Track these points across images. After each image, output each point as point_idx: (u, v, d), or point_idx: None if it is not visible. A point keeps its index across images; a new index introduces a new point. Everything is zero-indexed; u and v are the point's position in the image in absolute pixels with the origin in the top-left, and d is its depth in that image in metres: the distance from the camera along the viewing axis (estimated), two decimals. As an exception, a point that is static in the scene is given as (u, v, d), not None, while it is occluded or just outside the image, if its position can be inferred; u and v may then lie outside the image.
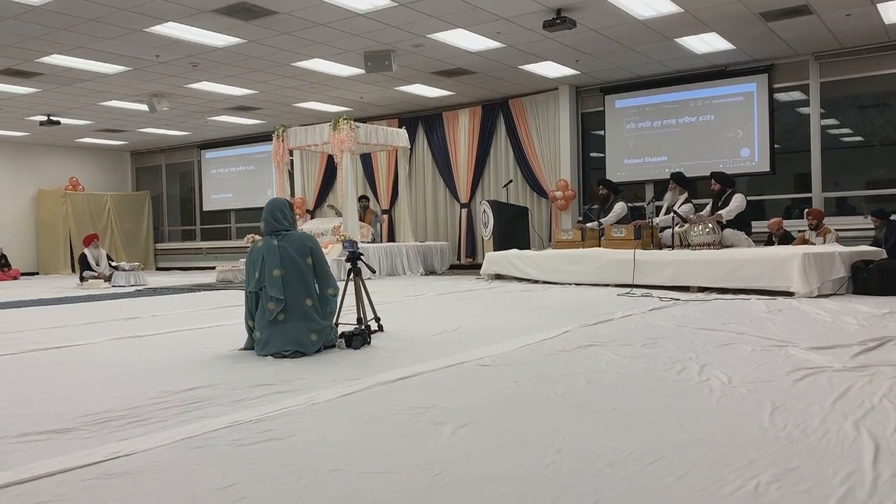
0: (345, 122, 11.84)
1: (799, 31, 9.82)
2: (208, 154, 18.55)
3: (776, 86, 11.39)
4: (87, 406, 3.08)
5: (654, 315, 5.79)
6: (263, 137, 16.47)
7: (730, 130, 11.69)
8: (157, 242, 19.66)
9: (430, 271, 12.95)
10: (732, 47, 10.51)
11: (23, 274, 16.38)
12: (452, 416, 2.78)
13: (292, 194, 15.07)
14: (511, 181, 13.24)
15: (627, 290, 7.91)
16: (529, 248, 10.97)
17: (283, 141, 12.76)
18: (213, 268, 12.94)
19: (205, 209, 18.81)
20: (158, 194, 19.78)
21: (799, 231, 9.87)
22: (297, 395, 3.22)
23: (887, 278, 6.96)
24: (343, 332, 4.56)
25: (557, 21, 8.66)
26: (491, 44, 10.09)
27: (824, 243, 8.91)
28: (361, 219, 12.96)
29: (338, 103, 13.89)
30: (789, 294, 6.94)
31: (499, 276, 10.17)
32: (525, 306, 6.79)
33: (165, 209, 19.84)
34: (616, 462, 2.19)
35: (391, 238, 14.86)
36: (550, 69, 11.66)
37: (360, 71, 11.09)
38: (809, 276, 6.92)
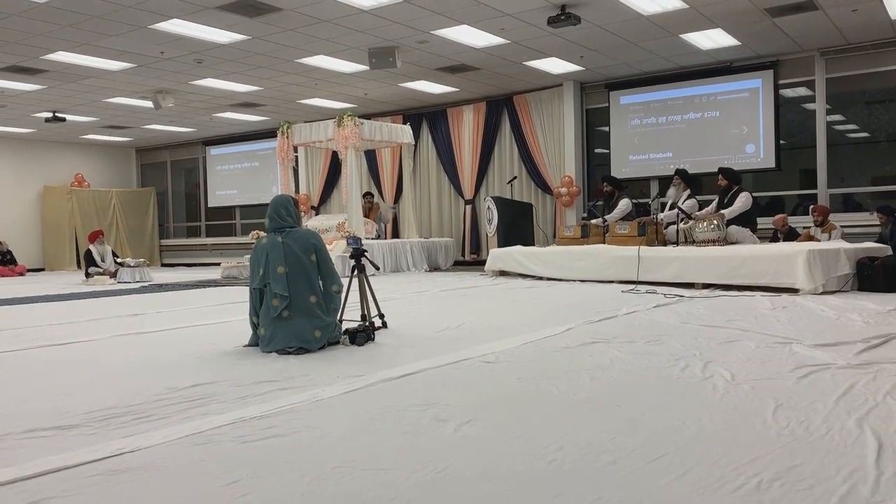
0: (349, 118, 11.84)
1: (804, 27, 9.78)
2: (213, 150, 18.57)
3: (781, 82, 11.35)
4: (91, 402, 3.09)
5: (659, 312, 5.79)
6: (268, 134, 16.48)
7: (735, 126, 11.65)
8: (163, 239, 19.71)
9: (434, 268, 12.95)
10: (737, 43, 10.47)
11: (28, 270, 16.43)
12: (455, 412, 2.79)
13: (297, 191, 15.09)
14: (515, 178, 13.23)
15: (632, 286, 7.90)
16: (534, 245, 10.96)
17: (287, 137, 12.78)
18: (218, 264, 12.97)
19: (210, 206, 18.84)
20: (163, 191, 19.82)
21: (804, 228, 9.84)
22: (300, 391, 3.23)
23: (893, 275, 6.94)
24: (347, 329, 4.56)
25: (562, 17, 8.64)
26: (495, 40, 10.08)
27: (829, 240, 8.88)
28: (366, 215, 12.98)
29: (342, 100, 13.89)
30: (794, 291, 6.93)
31: (503, 273, 10.16)
32: (529, 303, 6.79)
33: (170, 206, 19.88)
34: (618, 459, 2.19)
35: (395, 234, 14.86)
36: (555, 65, 11.64)
37: (365, 67, 11.09)
38: (814, 272, 6.90)
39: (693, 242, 8.32)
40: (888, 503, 1.80)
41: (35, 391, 3.42)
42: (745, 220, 8.56)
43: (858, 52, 10.61)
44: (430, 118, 14.74)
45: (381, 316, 5.15)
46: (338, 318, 4.61)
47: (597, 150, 13.42)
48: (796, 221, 10.30)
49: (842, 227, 9.49)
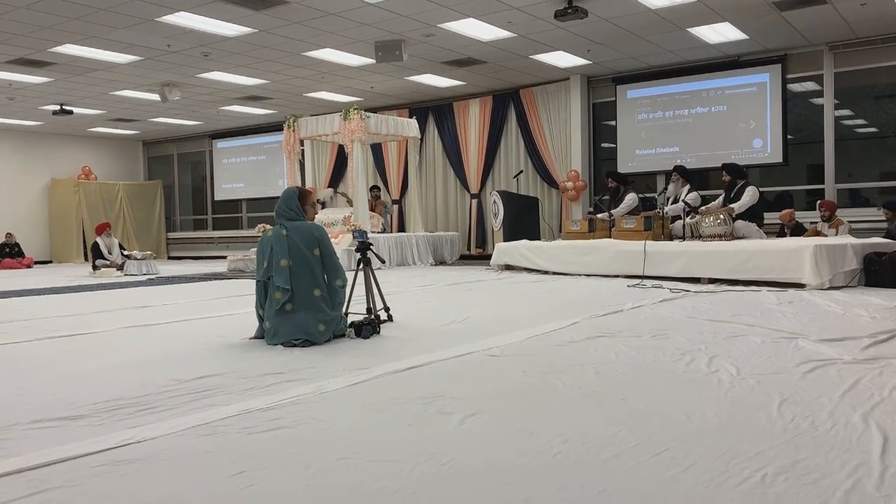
0: (355, 111, 11.83)
1: (813, 21, 9.72)
2: (220, 144, 18.60)
3: (790, 76, 11.29)
4: (97, 393, 3.11)
5: (664, 306, 5.78)
6: (274, 127, 16.50)
7: (742, 121, 11.60)
8: (169, 232, 19.76)
9: (440, 262, 12.95)
10: (745, 37, 10.42)
11: (36, 262, 16.52)
12: (460, 405, 2.79)
13: (303, 184, 15.10)
14: (522, 172, 13.21)
15: (638, 281, 7.89)
16: (540, 239, 10.95)
17: (294, 131, 12.78)
18: (225, 257, 12.99)
19: (216, 199, 18.88)
20: (170, 184, 19.87)
21: (811, 223, 9.80)
22: (306, 383, 3.24)
23: (900, 270, 6.90)
24: (352, 322, 4.57)
25: (569, 10, 8.61)
26: (502, 33, 10.05)
27: (836, 235, 8.85)
28: (372, 209, 12.98)
29: (348, 93, 13.88)
30: (800, 286, 6.91)
31: (509, 267, 10.16)
32: (534, 297, 6.79)
33: (177, 198, 19.92)
34: (623, 452, 2.20)
35: (401, 228, 14.87)
36: (562, 59, 11.61)
37: (371, 61, 11.07)
38: (821, 267, 6.88)
39: (699, 237, 8.29)
40: (893, 497, 1.80)
41: (41, 382, 3.44)
42: (752, 214, 8.53)
43: (867, 46, 10.54)
44: (436, 112, 14.72)
45: (387, 309, 5.15)
46: (343, 311, 4.62)
47: (603, 145, 13.38)
48: (804, 216, 10.26)
49: (849, 222, 9.45)
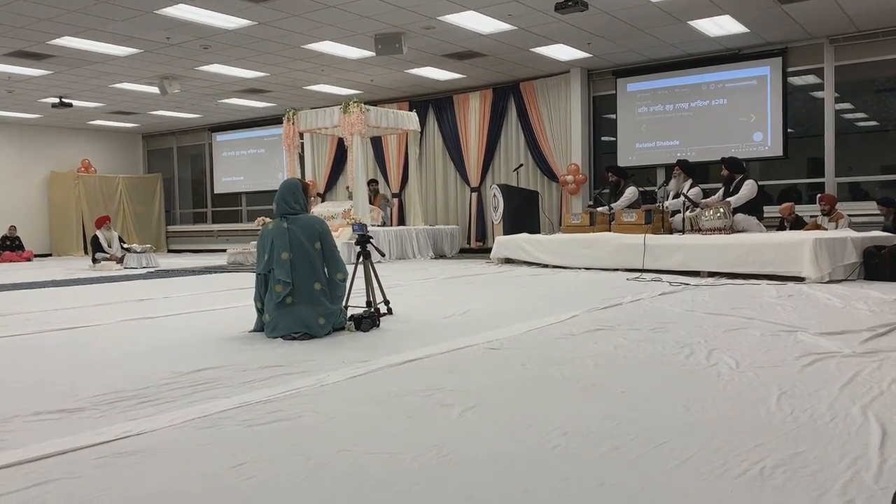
0: (355, 105, 11.81)
1: (814, 14, 9.69)
2: (219, 137, 18.57)
3: (790, 69, 11.27)
4: (98, 386, 3.11)
5: (664, 300, 5.78)
6: (274, 120, 16.48)
7: (743, 114, 11.59)
8: (169, 225, 19.76)
9: (439, 255, 12.96)
10: (746, 30, 10.39)
11: (36, 255, 16.51)
12: (460, 398, 2.79)
13: (303, 177, 15.08)
14: (522, 165, 13.20)
15: (637, 274, 7.89)
16: (539, 233, 10.95)
17: (293, 124, 12.77)
18: (225, 250, 13.00)
19: (216, 192, 18.86)
20: (170, 177, 19.85)
21: (811, 216, 9.80)
22: (305, 376, 3.24)
23: (900, 264, 6.91)
24: (352, 315, 4.57)
25: (569, 3, 8.58)
26: (502, 26, 10.02)
27: (836, 229, 8.85)
28: (371, 202, 12.97)
29: (348, 86, 13.86)
30: (800, 279, 6.91)
31: (509, 261, 10.16)
32: (534, 290, 6.79)
33: (177, 192, 19.91)
34: (622, 445, 2.20)
35: (401, 222, 14.86)
36: (562, 52, 11.58)
37: (371, 53, 11.05)
38: (821, 261, 6.88)
39: (699, 231, 8.29)
40: (892, 490, 1.80)
41: (42, 375, 3.44)
42: (752, 208, 8.53)
43: (868, 39, 10.52)
44: (436, 105, 14.70)
45: (387, 302, 5.15)
46: (343, 304, 4.62)
47: (603, 138, 13.36)
48: (804, 210, 10.26)
49: (849, 216, 9.45)
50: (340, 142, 14.75)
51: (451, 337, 4.19)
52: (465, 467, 2.05)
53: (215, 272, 10.34)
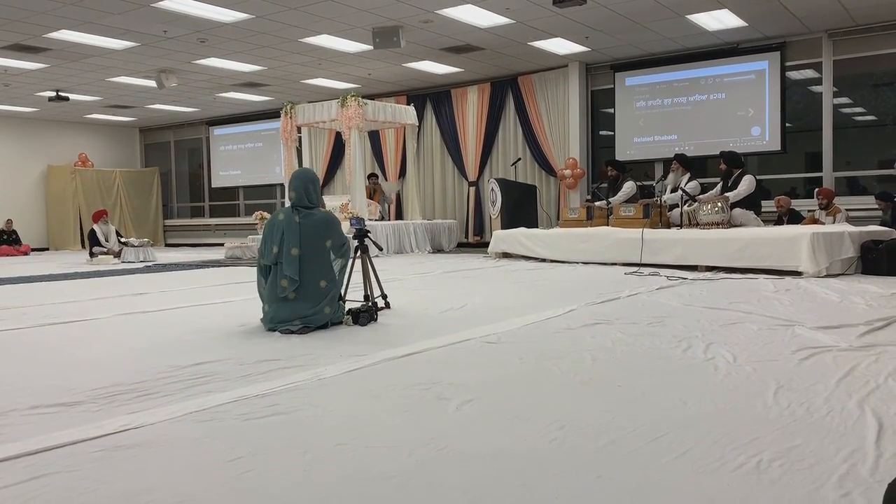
0: (353, 98, 11.79)
1: (812, 8, 9.68)
2: (217, 131, 18.53)
3: (788, 64, 11.26)
4: (96, 380, 3.11)
5: (661, 294, 5.79)
6: (272, 114, 16.44)
7: (741, 109, 11.58)
8: (166, 219, 19.73)
9: (437, 249, 12.96)
10: (744, 24, 10.38)
11: (33, 249, 16.49)
12: (457, 391, 2.80)
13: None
14: (520, 159, 13.19)
15: (635, 268, 7.90)
16: (537, 227, 10.95)
17: (291, 118, 12.74)
18: (222, 244, 12.98)
19: (213, 186, 18.83)
20: (167, 171, 19.81)
21: (809, 211, 9.81)
22: (303, 370, 3.24)
23: (897, 258, 6.92)
24: (350, 309, 4.57)
25: (568, -3, 8.57)
26: (500, 20, 10.00)
27: (834, 223, 8.85)
28: (370, 196, 12.96)
29: (346, 80, 13.83)
30: (798, 274, 6.92)
31: (506, 255, 10.17)
32: (532, 285, 6.80)
33: (174, 185, 19.88)
34: (619, 438, 2.21)
35: (399, 216, 14.85)
36: (560, 46, 11.56)
37: (369, 47, 11.02)
38: (818, 255, 6.89)
39: (697, 225, 8.30)
40: (887, 482, 1.80)
41: (40, 369, 3.44)
42: (749, 202, 8.53)
43: (866, 33, 10.51)
44: (434, 99, 14.67)
45: (384, 296, 5.16)
46: (340, 298, 4.61)
47: (601, 132, 13.35)
48: (801, 204, 10.27)
49: (847, 210, 9.45)
50: (338, 136, 14.73)
51: (449, 331, 4.19)
52: (462, 461, 2.05)
53: (213, 266, 10.33)
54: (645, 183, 10.82)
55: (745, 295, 5.60)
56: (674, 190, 9.21)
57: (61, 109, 16.08)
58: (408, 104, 13.96)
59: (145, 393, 2.89)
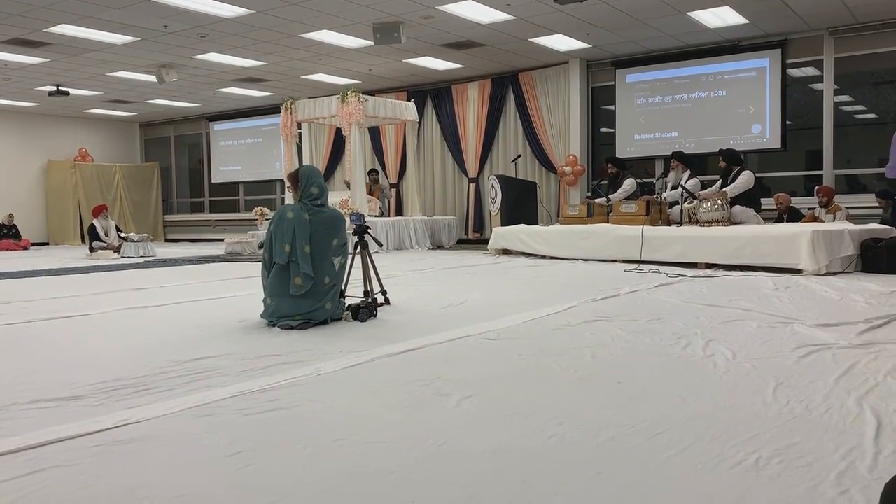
0: (353, 94, 11.78)
1: (813, 5, 9.67)
2: (217, 126, 18.51)
3: (789, 61, 11.24)
4: (95, 374, 3.12)
5: (661, 291, 5.79)
6: (272, 110, 16.42)
7: (741, 106, 11.57)
8: (166, 214, 19.72)
9: (437, 246, 12.96)
10: (746, 21, 10.36)
11: (33, 244, 16.48)
12: (457, 387, 2.80)
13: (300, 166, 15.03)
14: (520, 156, 13.18)
15: (635, 265, 7.90)
16: (537, 224, 10.95)
17: (291, 113, 12.73)
18: (222, 240, 12.98)
19: (213, 181, 18.82)
20: (167, 166, 19.79)
21: (809, 209, 9.81)
22: (303, 365, 3.24)
23: (897, 257, 6.92)
24: (350, 305, 4.58)
25: (569, -7, 8.55)
26: (501, 16, 9.99)
27: (834, 221, 8.85)
28: (370, 192, 12.95)
29: (346, 76, 13.81)
30: (797, 271, 6.92)
31: (506, 251, 10.16)
32: (531, 281, 6.80)
33: (174, 181, 19.86)
34: (618, 435, 2.21)
35: (399, 212, 14.85)
36: (561, 42, 11.55)
37: (369, 43, 11.01)
38: (818, 253, 6.89)
39: (697, 222, 8.30)
40: (886, 480, 1.81)
41: (39, 363, 3.44)
42: (749, 200, 8.53)
43: (868, 31, 10.49)
44: (434, 95, 14.66)
45: (384, 292, 5.16)
46: (341, 294, 4.61)
47: (602, 129, 13.34)
48: (802, 202, 10.27)
49: (847, 208, 9.45)
50: (338, 131, 14.71)
51: (449, 327, 4.19)
52: (461, 457, 2.05)
53: (213, 262, 10.33)
54: (645, 180, 10.82)
55: (745, 292, 5.60)
56: (674, 187, 9.21)
57: (61, 104, 16.06)
58: (408, 100, 13.94)
59: (145, 388, 2.89)
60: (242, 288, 6.41)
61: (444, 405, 2.58)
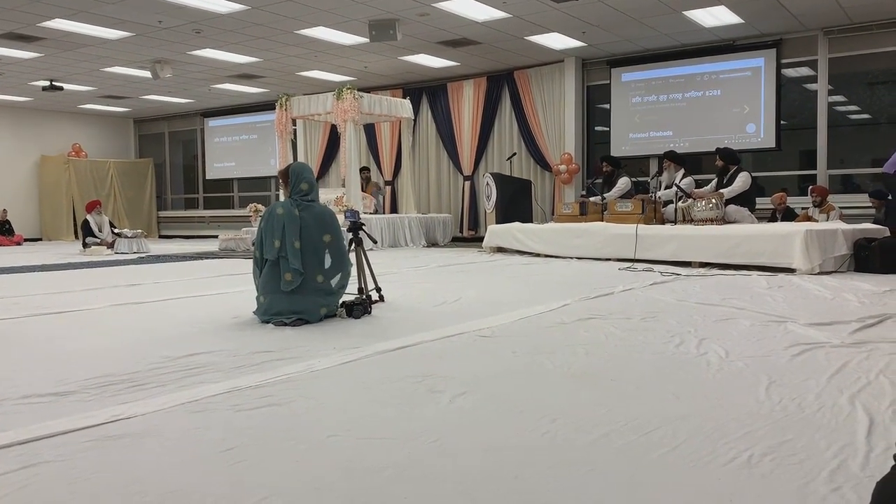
0: (348, 91, 11.76)
1: (809, 5, 9.69)
2: (211, 122, 18.47)
3: (784, 61, 11.27)
4: (88, 370, 3.10)
5: (655, 289, 5.80)
6: (267, 106, 16.39)
7: (736, 106, 11.60)
8: (160, 210, 19.67)
9: (432, 243, 12.95)
10: (741, 21, 10.39)
11: (26, 240, 16.43)
12: (451, 384, 2.80)
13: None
14: (515, 154, 13.19)
15: (629, 264, 7.91)
16: (532, 222, 10.95)
17: (286, 110, 12.71)
18: (216, 237, 12.95)
19: (208, 178, 18.78)
20: (161, 162, 19.74)
21: (803, 208, 9.84)
22: (297, 362, 3.24)
23: (889, 256, 6.94)
24: (344, 302, 4.57)
25: (564, -8, 8.55)
26: (497, 14, 9.98)
27: (828, 220, 8.88)
28: (363, 190, 12.94)
29: (342, 73, 13.79)
30: (791, 271, 6.94)
31: (501, 249, 10.17)
32: (526, 279, 6.80)
33: (168, 177, 19.81)
34: (611, 432, 2.21)
35: (394, 210, 14.84)
36: (557, 41, 11.55)
37: (365, 40, 10.99)
38: (811, 252, 6.91)
39: (691, 221, 8.31)
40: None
41: (32, 359, 3.43)
42: (744, 199, 8.55)
43: (862, 31, 10.52)
44: (430, 93, 14.65)
45: (378, 290, 5.15)
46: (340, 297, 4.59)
47: (597, 128, 13.36)
48: (796, 202, 10.29)
49: (841, 208, 9.48)
50: (333, 128, 14.67)
51: (443, 324, 4.19)
52: (455, 453, 2.05)
53: (206, 258, 10.31)
54: (640, 179, 10.83)
55: (739, 291, 5.61)
56: (668, 186, 9.22)
57: (55, 99, 15.99)
58: (404, 98, 13.93)
59: (138, 383, 2.88)
60: (236, 284, 6.40)
61: (438, 402, 2.58)
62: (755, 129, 11.45)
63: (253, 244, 4.56)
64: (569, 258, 8.90)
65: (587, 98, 13.19)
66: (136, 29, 10.52)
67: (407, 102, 13.43)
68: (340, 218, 11.05)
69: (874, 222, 8.65)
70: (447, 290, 5.91)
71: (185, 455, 2.07)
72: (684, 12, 9.96)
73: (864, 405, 2.44)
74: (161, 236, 19.06)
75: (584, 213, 9.55)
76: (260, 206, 12.08)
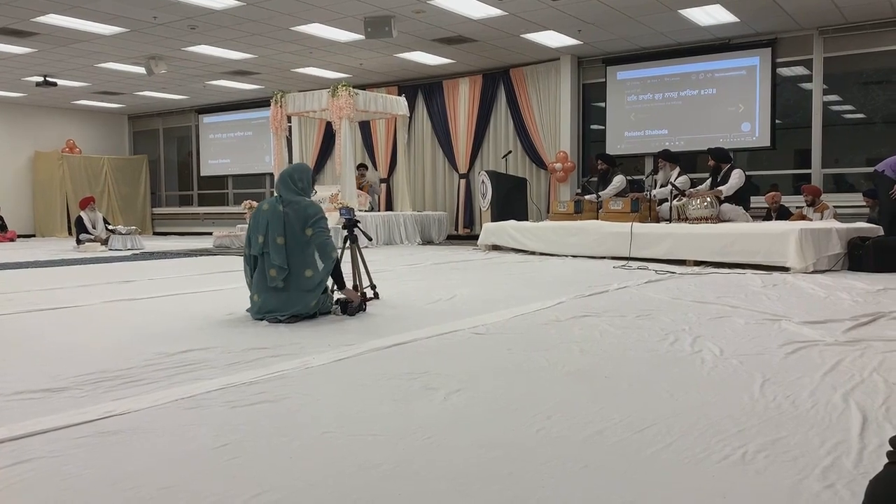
0: (344, 88, 11.74)
1: (804, 4, 9.71)
2: (206, 119, 18.42)
3: (779, 60, 11.29)
4: (81, 366, 3.09)
5: (650, 287, 5.81)
6: (262, 103, 16.35)
7: (731, 104, 11.62)
8: (154, 207, 19.61)
9: (427, 241, 12.95)
10: (736, 20, 10.40)
11: (19, 236, 16.36)
12: (445, 381, 2.80)
13: (290, 161, 14.99)
14: (510, 152, 13.18)
15: (624, 262, 7.92)
16: (527, 220, 10.95)
17: (281, 107, 12.68)
18: (210, 233, 12.92)
19: (202, 174, 18.73)
20: (156, 158, 19.68)
21: (797, 207, 9.86)
22: (291, 359, 3.23)
23: (883, 255, 6.97)
24: (339, 299, 4.56)
25: (560, -11, 8.54)
26: (493, 11, 9.98)
27: (822, 219, 8.90)
28: (360, 187, 12.92)
29: (337, 69, 13.76)
30: (785, 269, 6.96)
31: (496, 247, 10.17)
32: (521, 277, 6.80)
33: (163, 174, 19.75)
34: (605, 429, 2.21)
35: (389, 207, 14.83)
36: (552, 39, 11.55)
37: (360, 37, 10.97)
38: (806, 251, 6.93)
39: (686, 219, 8.33)
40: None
41: (24, 354, 3.42)
42: (738, 198, 8.56)
43: (857, 31, 10.55)
44: (425, 90, 14.63)
45: (373, 287, 5.15)
46: (329, 288, 4.59)
47: (592, 126, 13.36)
48: (790, 201, 10.32)
49: (835, 207, 9.51)
50: (328, 126, 14.67)
51: (438, 322, 4.19)
52: (449, 450, 2.05)
53: (201, 255, 10.28)
54: (635, 177, 10.85)
55: (733, 290, 5.63)
56: (664, 185, 9.23)
57: (49, 95, 15.92)
58: (399, 95, 13.90)
59: (131, 380, 2.87)
60: (230, 281, 6.38)
61: (432, 399, 2.58)
62: (750, 127, 11.47)
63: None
64: (564, 256, 8.90)
65: (583, 96, 13.20)
66: (131, 25, 10.48)
67: (402, 100, 13.41)
68: (335, 215, 11.06)
69: (868, 221, 8.68)
70: (442, 287, 5.91)
71: (179, 451, 2.06)
72: (680, 11, 9.97)
73: (857, 403, 2.45)
74: (155, 233, 19.01)
75: (579, 211, 9.56)
76: (254, 203, 12.06)
